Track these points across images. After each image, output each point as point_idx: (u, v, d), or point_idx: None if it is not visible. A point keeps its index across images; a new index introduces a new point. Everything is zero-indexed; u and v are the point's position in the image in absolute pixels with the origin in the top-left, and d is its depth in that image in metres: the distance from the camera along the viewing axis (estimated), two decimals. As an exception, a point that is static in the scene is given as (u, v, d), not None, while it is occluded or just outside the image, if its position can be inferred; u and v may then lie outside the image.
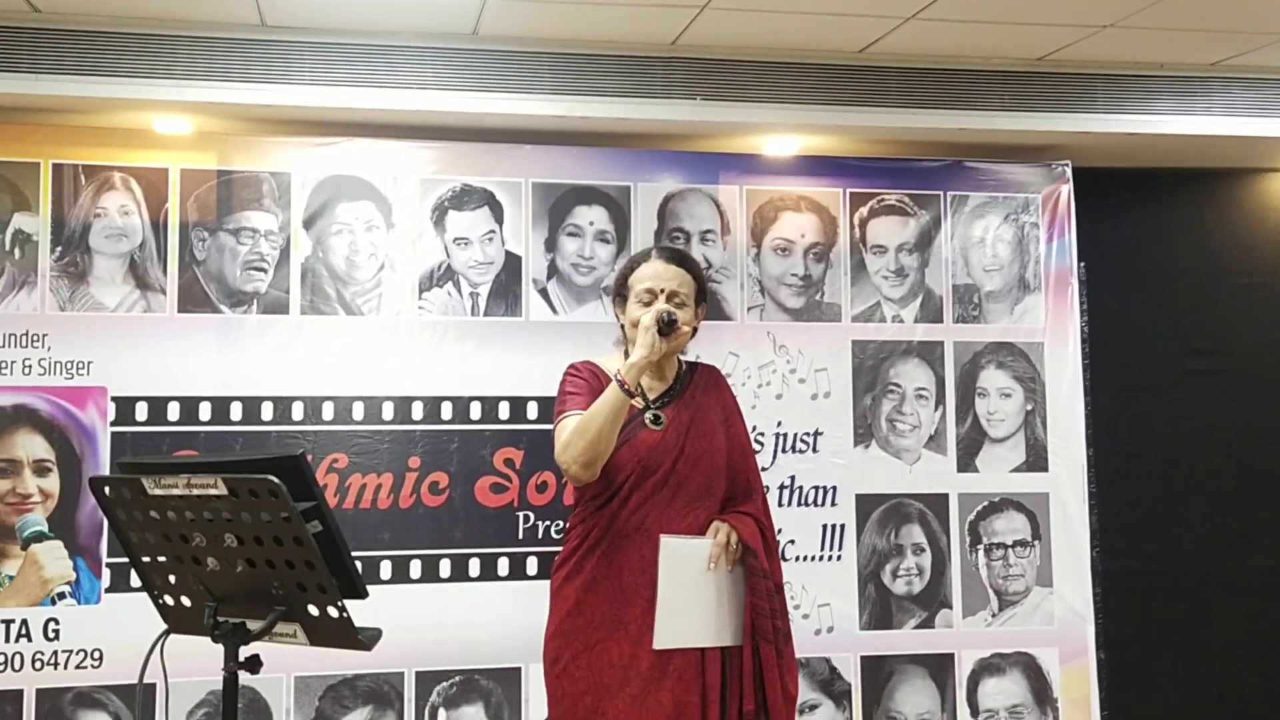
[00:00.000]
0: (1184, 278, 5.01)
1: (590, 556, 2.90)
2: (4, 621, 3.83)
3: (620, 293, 3.06)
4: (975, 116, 4.41)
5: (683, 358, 3.13)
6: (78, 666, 3.85)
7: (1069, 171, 4.64)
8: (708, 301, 3.13)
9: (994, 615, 4.46)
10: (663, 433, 2.92)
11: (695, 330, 3.06)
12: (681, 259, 3.07)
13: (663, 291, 2.95)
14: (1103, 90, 4.47)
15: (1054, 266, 4.61)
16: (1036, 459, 4.54)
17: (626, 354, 2.95)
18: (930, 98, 4.38)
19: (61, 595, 3.88)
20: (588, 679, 2.84)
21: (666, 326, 2.86)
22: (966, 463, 4.50)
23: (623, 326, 3.05)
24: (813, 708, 4.29)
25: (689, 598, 2.86)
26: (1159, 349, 4.96)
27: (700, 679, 2.85)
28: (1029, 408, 4.55)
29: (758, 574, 2.90)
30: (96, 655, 3.87)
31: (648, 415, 2.94)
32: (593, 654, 2.85)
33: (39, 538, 3.88)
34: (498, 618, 4.07)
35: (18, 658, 3.83)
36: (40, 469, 3.91)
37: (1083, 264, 4.63)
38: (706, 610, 2.89)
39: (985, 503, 4.49)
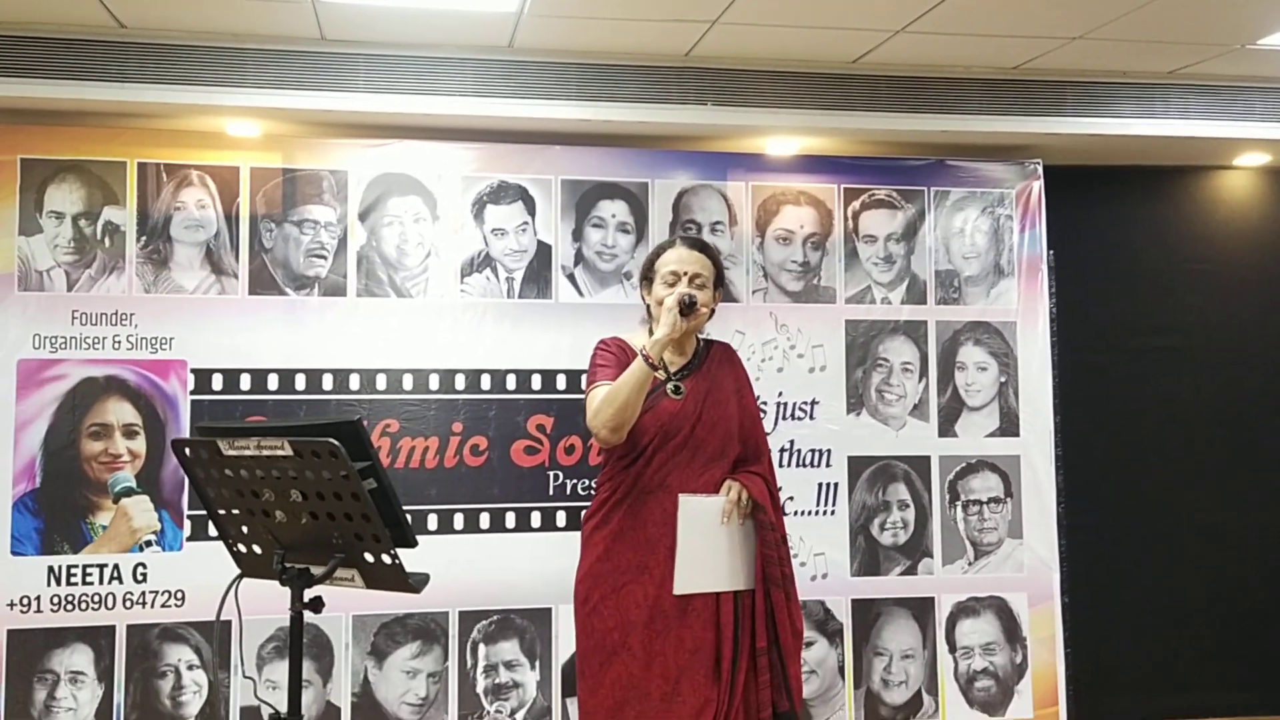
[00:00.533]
0: (1143, 264, 4.96)
1: (618, 509, 2.90)
2: (98, 566, 3.86)
3: (647, 276, 3.05)
4: (956, 120, 4.37)
5: (700, 336, 3.11)
6: (163, 605, 3.88)
7: (1040, 169, 4.59)
8: (724, 286, 3.10)
9: (970, 563, 4.45)
10: (682, 402, 2.91)
11: (713, 312, 3.03)
12: (703, 246, 3.04)
13: (685, 274, 2.93)
14: (1071, 96, 4.42)
15: (1026, 254, 4.58)
16: (1009, 425, 4.52)
17: (651, 331, 2.94)
18: (916, 103, 4.34)
19: (149, 543, 3.90)
20: (615, 616, 2.85)
21: (687, 308, 2.85)
22: (946, 428, 4.48)
23: (648, 307, 3.03)
24: (809, 644, 4.29)
25: (705, 549, 2.86)
26: (1120, 327, 4.93)
27: (715, 618, 2.85)
28: (1003, 380, 4.53)
29: (766, 527, 2.90)
30: (179, 596, 3.89)
31: (669, 386, 2.93)
32: (620, 595, 2.85)
33: (128, 493, 3.90)
34: (531, 564, 4.08)
35: (110, 597, 3.86)
36: (129, 432, 3.92)
37: (1052, 252, 4.59)
38: (720, 559, 2.89)
39: (963, 464, 4.47)
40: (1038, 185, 4.58)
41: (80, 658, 3.82)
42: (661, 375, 2.90)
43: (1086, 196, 4.91)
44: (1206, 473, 4.92)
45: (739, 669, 2.84)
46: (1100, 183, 4.93)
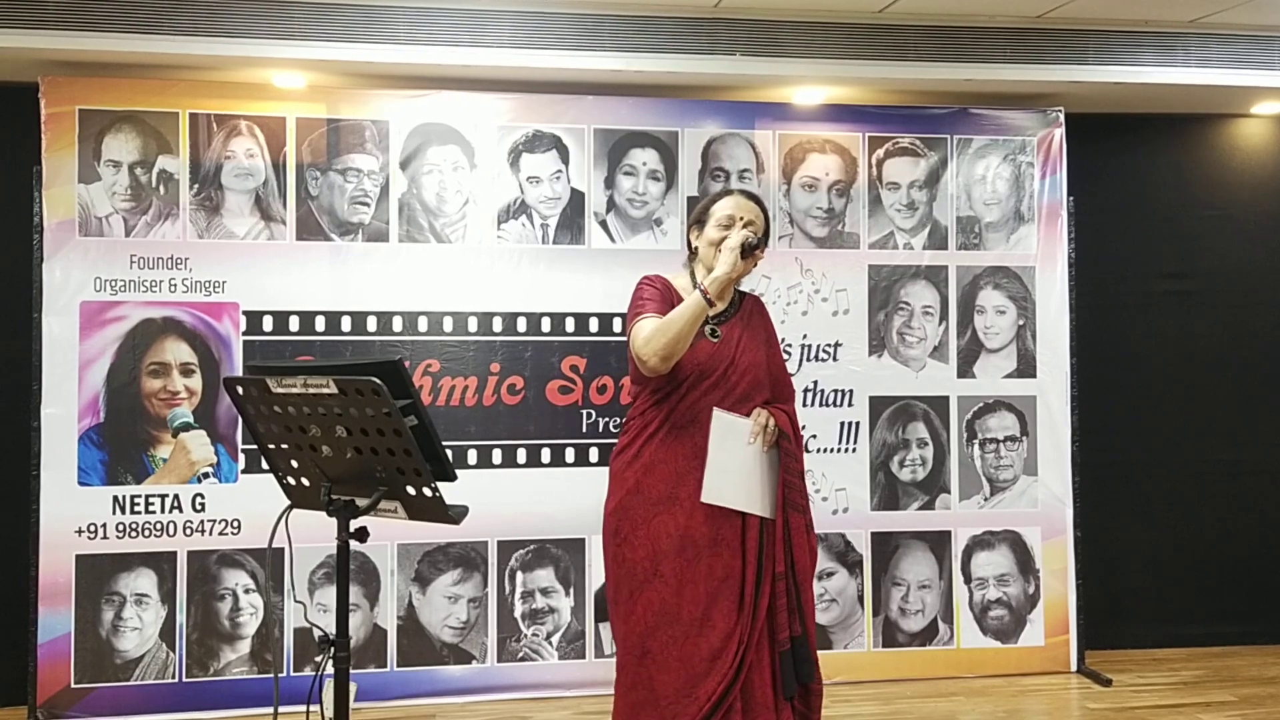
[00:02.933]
0: (1161, 210, 4.87)
1: (650, 443, 2.89)
2: (160, 496, 3.93)
3: (700, 219, 3.01)
4: (980, 69, 4.27)
5: (737, 287, 3.06)
6: (220, 533, 3.95)
7: (1062, 117, 4.50)
8: (768, 243, 3.04)
9: (986, 499, 4.43)
10: (719, 345, 2.90)
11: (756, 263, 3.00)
12: (758, 200, 3.01)
13: (741, 219, 2.91)
14: (1094, 44, 4.31)
15: (1046, 200, 4.50)
16: (1026, 366, 4.47)
17: (692, 274, 2.93)
18: (940, 52, 4.24)
19: (206, 475, 3.96)
20: (647, 546, 2.85)
21: (749, 249, 2.83)
22: (965, 370, 4.44)
23: (694, 250, 3.00)
24: (830, 574, 4.31)
25: (733, 463, 2.84)
26: (1137, 272, 4.85)
27: (741, 546, 2.85)
28: (1021, 323, 4.48)
29: (790, 455, 2.89)
30: (235, 524, 3.96)
31: (708, 329, 2.91)
32: (651, 525, 2.85)
33: (186, 428, 3.95)
34: (565, 497, 4.11)
35: (172, 525, 3.93)
36: (186, 370, 3.97)
37: (1072, 198, 4.51)
38: (751, 479, 2.86)
39: (981, 404, 4.44)
40: (1059, 133, 4.49)
41: (144, 581, 3.90)
42: (713, 312, 2.90)
43: (1107, 144, 4.81)
44: (1217, 412, 4.87)
45: (761, 594, 2.85)
46: (1120, 130, 4.82)
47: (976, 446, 4.44)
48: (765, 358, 2.98)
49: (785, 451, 2.90)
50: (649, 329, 2.81)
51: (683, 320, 2.78)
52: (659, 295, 2.90)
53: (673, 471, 2.86)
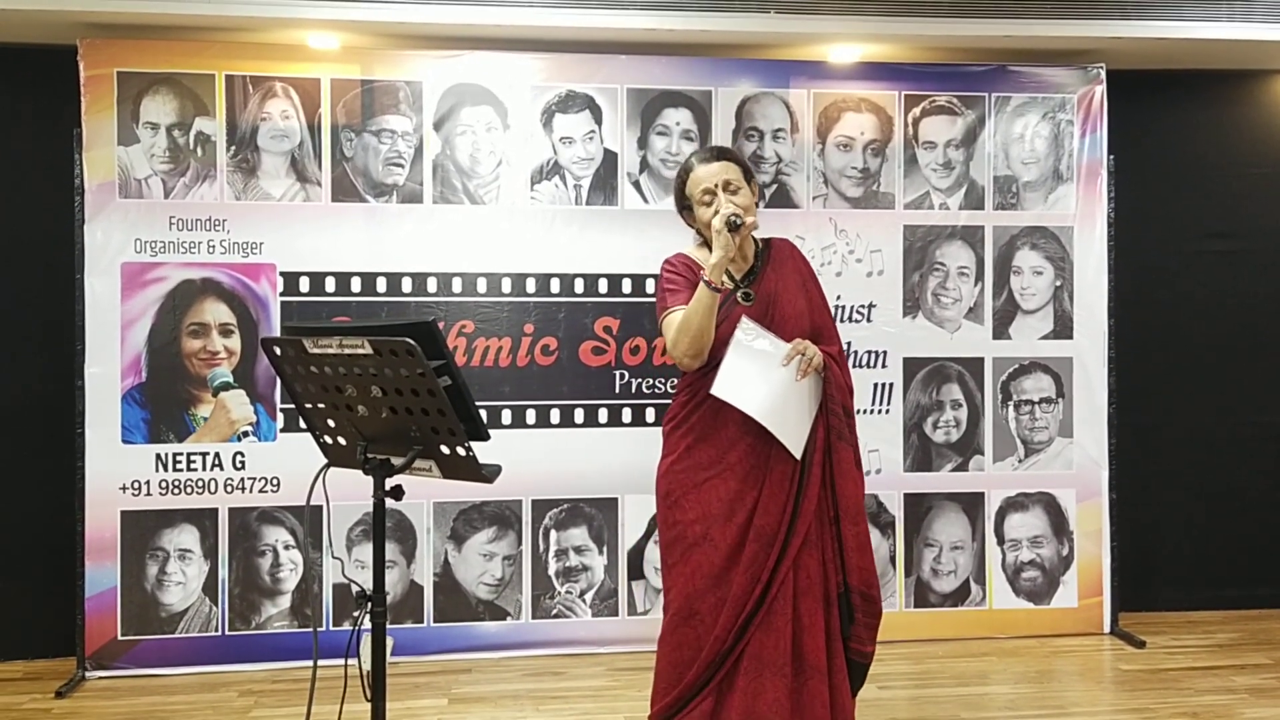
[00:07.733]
0: (1203, 168, 4.77)
1: (698, 410, 2.87)
2: (201, 454, 4.00)
3: (684, 204, 2.97)
4: (1019, 24, 4.19)
5: (758, 237, 3.01)
6: (260, 491, 4.02)
7: (1103, 74, 4.41)
8: (756, 179, 2.97)
9: (1020, 461, 4.41)
10: (752, 306, 2.86)
11: (756, 204, 2.95)
12: (719, 153, 2.91)
13: (718, 185, 2.85)
14: (1136, -1, 4.23)
15: (1086, 159, 4.43)
16: (1063, 328, 4.43)
17: (709, 248, 2.88)
18: (979, 8, 4.17)
19: (246, 434, 4.02)
20: (697, 510, 2.84)
21: (734, 226, 2.76)
22: (1000, 331, 4.41)
23: (697, 230, 2.96)
24: (862, 535, 4.32)
25: (757, 374, 2.77)
26: (1178, 232, 4.76)
27: (790, 506, 2.81)
28: (1058, 284, 4.43)
29: (833, 384, 2.86)
30: (275, 482, 4.02)
31: (739, 293, 2.87)
32: (701, 490, 2.84)
33: (226, 387, 4.01)
34: (598, 457, 4.13)
35: (213, 483, 4.00)
36: (225, 331, 4.02)
37: (1112, 156, 4.44)
38: (784, 403, 2.80)
39: (1016, 365, 4.41)
40: (1100, 90, 4.41)
41: (187, 537, 3.99)
42: (730, 284, 2.85)
43: (1149, 101, 4.71)
44: (1257, 374, 4.79)
45: (804, 550, 2.80)
46: (1163, 87, 4.72)
47: (1011, 408, 4.41)
48: (804, 304, 2.90)
49: (827, 380, 2.85)
50: (673, 331, 2.80)
51: (699, 316, 2.75)
52: (684, 282, 2.84)
53: (724, 438, 2.84)
